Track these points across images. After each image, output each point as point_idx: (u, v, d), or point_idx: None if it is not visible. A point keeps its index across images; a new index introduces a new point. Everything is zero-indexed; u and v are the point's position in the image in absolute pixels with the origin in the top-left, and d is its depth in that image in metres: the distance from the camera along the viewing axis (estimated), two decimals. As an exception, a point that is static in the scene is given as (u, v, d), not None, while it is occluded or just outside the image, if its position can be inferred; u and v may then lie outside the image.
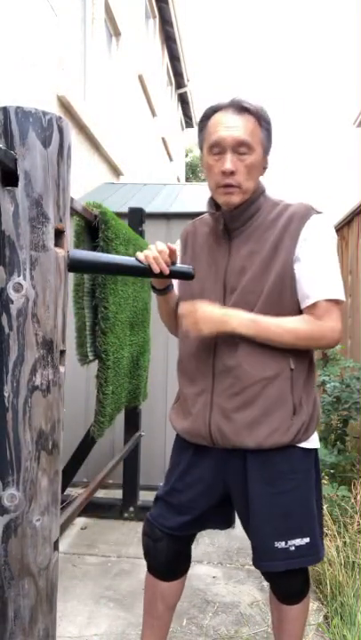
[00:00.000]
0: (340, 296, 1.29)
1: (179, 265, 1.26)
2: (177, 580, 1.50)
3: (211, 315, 1.25)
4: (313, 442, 1.36)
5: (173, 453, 1.49)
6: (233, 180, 1.25)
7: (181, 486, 1.42)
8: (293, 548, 1.31)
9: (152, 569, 1.50)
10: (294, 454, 1.32)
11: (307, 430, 1.32)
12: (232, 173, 1.24)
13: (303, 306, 1.30)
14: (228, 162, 1.23)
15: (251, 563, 2.37)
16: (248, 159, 1.24)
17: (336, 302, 1.28)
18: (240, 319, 1.25)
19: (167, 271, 1.17)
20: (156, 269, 1.15)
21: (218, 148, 1.25)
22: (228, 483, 1.38)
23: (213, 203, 1.37)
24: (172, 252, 1.21)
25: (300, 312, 1.31)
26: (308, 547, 1.33)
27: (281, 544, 1.31)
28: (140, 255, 1.16)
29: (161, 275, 1.19)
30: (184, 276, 1.26)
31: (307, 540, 1.32)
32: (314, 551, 1.34)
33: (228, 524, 1.52)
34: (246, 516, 1.37)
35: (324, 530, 2.28)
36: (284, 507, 1.31)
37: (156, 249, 1.18)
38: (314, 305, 1.27)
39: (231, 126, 1.23)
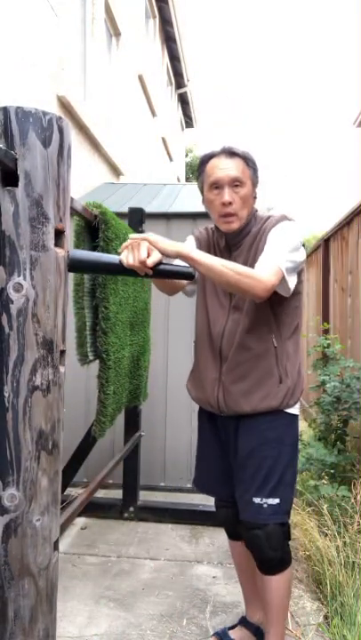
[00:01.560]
0: (284, 270, 1.46)
1: (183, 265, 1.26)
2: None
3: (174, 243, 1.35)
4: (296, 409, 1.63)
5: (198, 422, 1.79)
6: (231, 209, 1.54)
7: (207, 452, 1.73)
8: (266, 505, 1.56)
9: (229, 533, 1.81)
10: (281, 422, 1.58)
11: (292, 396, 1.59)
12: (230, 204, 1.53)
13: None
14: (226, 195, 1.52)
15: (251, 563, 2.37)
16: (241, 191, 1.54)
17: (280, 271, 1.46)
18: (196, 250, 1.41)
19: (151, 272, 1.19)
20: (141, 274, 1.18)
21: (216, 185, 1.54)
22: (226, 444, 1.66)
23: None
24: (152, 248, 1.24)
25: (280, 304, 1.56)
26: (277, 506, 1.56)
27: (257, 500, 1.55)
28: (123, 260, 1.15)
29: (159, 274, 1.20)
30: (184, 276, 1.26)
31: (277, 500, 1.56)
32: (282, 510, 1.58)
33: None
34: (234, 471, 1.64)
35: (324, 530, 2.29)
36: (266, 469, 1.56)
37: (137, 258, 1.17)
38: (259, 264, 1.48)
39: (225, 168, 1.53)
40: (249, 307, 1.57)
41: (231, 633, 1.80)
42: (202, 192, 1.62)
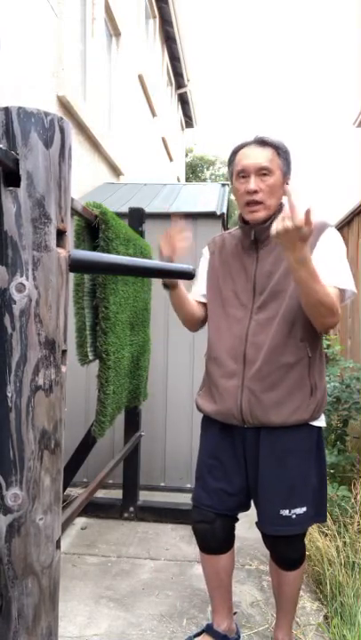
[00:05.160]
0: (346, 285, 1.47)
1: (181, 265, 1.27)
2: (231, 549, 1.73)
3: (302, 244, 1.29)
4: (322, 421, 1.59)
5: (201, 437, 1.71)
6: (257, 197, 1.51)
7: (214, 463, 1.63)
8: (295, 516, 1.53)
9: (209, 549, 1.70)
10: (303, 432, 1.53)
11: (320, 409, 1.55)
12: (255, 192, 1.50)
13: None
14: (252, 183, 1.50)
15: (251, 563, 2.38)
16: (269, 180, 1.51)
17: (341, 292, 1.46)
18: (308, 259, 1.32)
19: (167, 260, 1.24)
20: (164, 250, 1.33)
21: (243, 174, 1.52)
22: (246, 457, 1.59)
23: (242, 219, 1.62)
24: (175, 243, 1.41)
25: None
26: (305, 514, 1.55)
27: (285, 512, 1.53)
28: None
29: (160, 274, 1.20)
30: (184, 276, 1.27)
31: (304, 508, 1.54)
32: (310, 517, 1.57)
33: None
34: (256, 486, 1.58)
35: (324, 530, 2.29)
36: (290, 480, 1.52)
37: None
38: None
39: (253, 156, 1.51)
40: (286, 309, 1.50)
41: None
42: (231, 182, 1.60)
